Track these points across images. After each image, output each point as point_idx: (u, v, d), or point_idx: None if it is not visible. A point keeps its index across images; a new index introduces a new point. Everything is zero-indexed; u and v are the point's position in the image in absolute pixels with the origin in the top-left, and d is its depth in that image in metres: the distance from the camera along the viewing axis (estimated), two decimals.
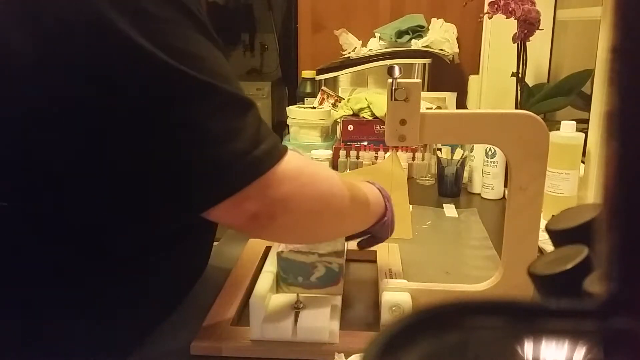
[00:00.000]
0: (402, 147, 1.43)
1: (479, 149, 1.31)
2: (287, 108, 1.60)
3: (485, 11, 1.33)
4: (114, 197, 0.59)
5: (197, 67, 0.53)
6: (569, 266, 0.30)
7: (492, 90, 1.64)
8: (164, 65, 0.52)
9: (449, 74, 1.80)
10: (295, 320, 0.66)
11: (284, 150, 0.59)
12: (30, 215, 0.60)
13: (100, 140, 0.55)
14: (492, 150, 1.28)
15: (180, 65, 0.52)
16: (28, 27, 0.53)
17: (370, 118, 1.50)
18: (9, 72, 0.54)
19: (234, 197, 0.55)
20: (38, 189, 0.59)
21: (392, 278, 0.80)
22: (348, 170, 1.42)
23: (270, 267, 0.76)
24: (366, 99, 1.52)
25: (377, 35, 1.77)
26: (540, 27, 1.28)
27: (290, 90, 2.63)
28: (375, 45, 1.76)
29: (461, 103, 1.74)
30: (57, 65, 0.53)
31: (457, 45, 1.74)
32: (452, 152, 1.34)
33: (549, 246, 0.35)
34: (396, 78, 0.67)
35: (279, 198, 0.58)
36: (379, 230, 0.77)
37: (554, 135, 1.09)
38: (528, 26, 1.26)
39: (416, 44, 1.68)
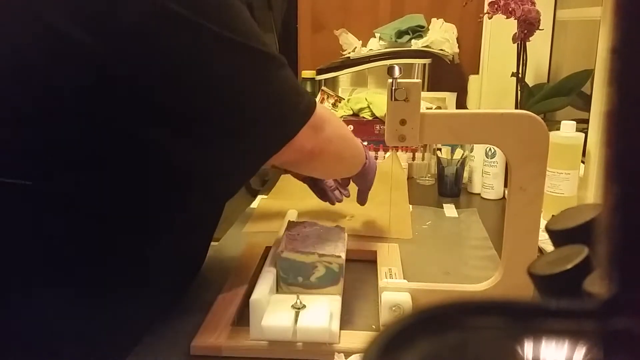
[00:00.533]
0: (402, 147, 1.43)
1: (479, 149, 1.31)
2: None
3: (485, 11, 1.33)
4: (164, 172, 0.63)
5: (255, 40, 0.62)
6: (569, 266, 0.30)
7: (492, 90, 1.64)
8: (242, 46, 0.60)
9: (449, 74, 1.80)
10: (295, 320, 0.66)
11: (314, 98, 0.73)
12: (53, 195, 0.60)
13: (149, 118, 0.59)
14: (492, 150, 1.28)
15: (244, 40, 0.61)
16: (78, 17, 0.55)
17: (370, 118, 1.50)
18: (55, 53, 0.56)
19: (294, 138, 0.67)
20: (66, 168, 0.59)
21: (392, 278, 0.80)
22: None
23: (270, 267, 0.76)
24: (366, 99, 1.52)
25: (377, 35, 1.77)
26: (540, 27, 1.28)
27: None
28: (375, 45, 1.76)
29: (461, 103, 1.74)
30: (109, 46, 0.55)
31: (457, 45, 1.74)
32: (452, 152, 1.34)
33: (549, 246, 0.35)
34: (396, 78, 0.67)
35: (324, 136, 0.73)
36: (359, 177, 0.94)
37: (554, 135, 1.09)
38: (528, 26, 1.26)
39: (416, 44, 1.68)
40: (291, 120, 0.68)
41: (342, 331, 0.68)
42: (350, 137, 0.85)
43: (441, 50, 1.67)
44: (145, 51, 0.56)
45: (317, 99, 1.70)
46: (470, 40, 1.81)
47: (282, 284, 0.75)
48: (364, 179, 0.96)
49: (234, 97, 0.62)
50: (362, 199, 1.01)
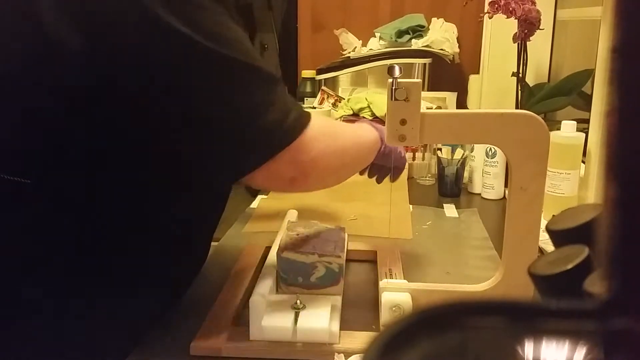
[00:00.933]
0: (402, 147, 1.43)
1: (479, 149, 1.31)
2: None
3: (485, 11, 1.33)
4: (148, 176, 0.63)
5: (236, 50, 0.59)
6: (570, 266, 0.30)
7: (492, 90, 1.64)
8: (207, 51, 0.57)
9: (449, 74, 1.80)
10: (295, 321, 0.66)
11: (309, 117, 0.65)
12: (52, 193, 0.60)
13: (137, 121, 0.59)
14: (493, 150, 1.28)
15: (221, 49, 0.58)
16: (76, 21, 0.56)
17: (371, 118, 1.50)
18: (54, 61, 0.57)
19: (270, 163, 0.61)
20: (64, 167, 0.60)
21: (392, 278, 0.80)
22: None
23: (270, 267, 0.76)
24: (366, 99, 1.52)
25: (377, 34, 1.77)
26: (540, 27, 1.28)
27: (290, 90, 2.62)
28: (375, 45, 1.76)
29: (461, 103, 1.74)
30: (102, 51, 0.56)
31: (458, 45, 1.74)
32: (453, 152, 1.34)
33: (549, 246, 0.35)
34: (396, 78, 0.67)
35: (309, 160, 0.65)
36: (382, 159, 0.85)
37: (554, 135, 1.09)
38: (528, 26, 1.26)
39: (416, 44, 1.68)
40: (264, 143, 0.61)
41: (342, 331, 0.68)
42: (350, 143, 0.77)
43: (441, 49, 1.67)
44: (133, 55, 0.56)
45: (317, 99, 1.70)
46: (471, 39, 1.81)
47: (282, 284, 0.75)
48: (387, 161, 0.87)
49: (205, 106, 0.59)
50: (379, 177, 0.95)
